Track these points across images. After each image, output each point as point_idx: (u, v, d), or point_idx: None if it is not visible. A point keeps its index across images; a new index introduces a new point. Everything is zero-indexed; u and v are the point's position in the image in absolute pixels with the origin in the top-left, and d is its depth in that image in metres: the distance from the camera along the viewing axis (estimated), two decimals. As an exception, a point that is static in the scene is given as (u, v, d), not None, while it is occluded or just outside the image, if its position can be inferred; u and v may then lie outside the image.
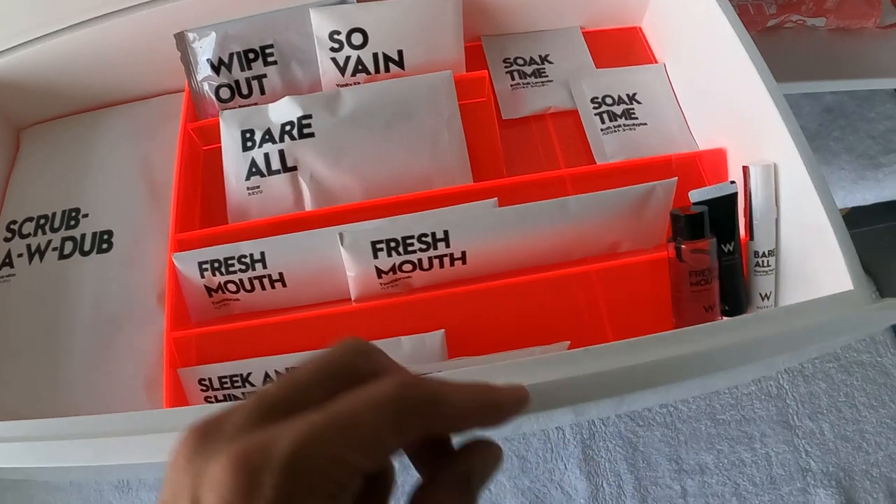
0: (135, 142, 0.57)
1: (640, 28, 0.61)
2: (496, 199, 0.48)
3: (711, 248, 0.48)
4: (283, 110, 0.52)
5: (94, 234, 0.55)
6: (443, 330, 0.47)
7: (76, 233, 0.55)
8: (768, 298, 0.51)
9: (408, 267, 0.47)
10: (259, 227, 0.50)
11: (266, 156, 0.52)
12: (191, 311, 0.51)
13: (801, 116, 0.74)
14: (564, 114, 0.56)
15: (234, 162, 0.52)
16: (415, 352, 0.47)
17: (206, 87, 0.55)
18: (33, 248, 0.56)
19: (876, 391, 0.77)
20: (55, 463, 0.36)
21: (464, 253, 0.47)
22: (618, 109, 0.56)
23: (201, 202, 0.55)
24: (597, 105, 0.56)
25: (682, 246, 0.47)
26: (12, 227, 0.57)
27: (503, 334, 0.48)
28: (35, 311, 0.54)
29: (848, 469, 0.75)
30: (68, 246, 0.55)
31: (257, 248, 0.48)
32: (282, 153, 0.51)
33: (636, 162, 0.53)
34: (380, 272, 0.47)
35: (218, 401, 0.49)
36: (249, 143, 0.52)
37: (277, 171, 0.51)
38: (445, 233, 0.47)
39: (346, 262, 0.47)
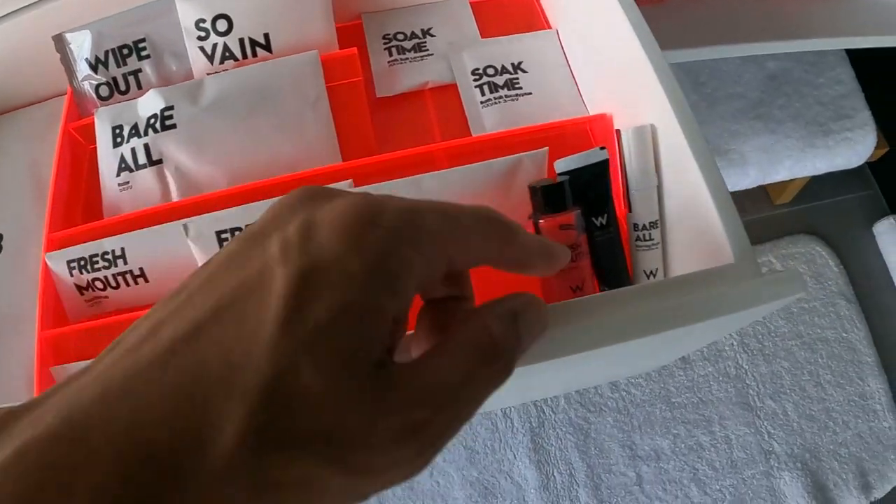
0: (25, 146, 0.58)
1: (535, -7, 0.58)
2: (351, 180, 0.46)
3: (576, 221, 0.44)
4: (148, 103, 0.51)
5: (-12, 237, 0.56)
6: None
7: (-26, 237, 0.56)
8: (654, 275, 0.47)
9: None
10: (125, 223, 0.50)
11: (133, 150, 0.51)
12: (67, 311, 0.51)
13: (742, 84, 0.68)
14: (443, 88, 0.53)
15: (106, 159, 0.52)
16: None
17: (86, 86, 0.55)
18: (-61, 254, 0.57)
19: (842, 368, 0.71)
20: None
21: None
22: (500, 80, 0.52)
23: (85, 201, 0.55)
24: (477, 77, 0.52)
25: (541, 221, 0.44)
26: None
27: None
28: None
29: (814, 450, 0.70)
30: (-38, 250, 0.56)
31: (118, 243, 0.48)
32: (147, 147, 0.51)
33: (520, 132, 0.49)
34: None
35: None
36: (119, 139, 0.52)
37: (144, 166, 0.51)
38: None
39: (194, 253, 0.46)
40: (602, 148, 0.45)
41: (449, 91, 0.53)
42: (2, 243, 0.55)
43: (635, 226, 0.46)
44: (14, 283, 0.53)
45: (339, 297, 0.19)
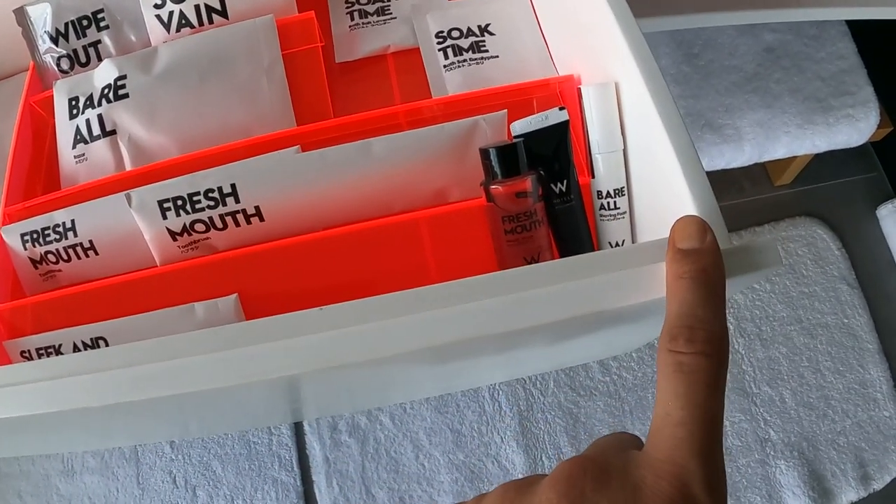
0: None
1: (508, -48, 0.53)
2: (298, 146, 0.43)
3: (531, 187, 0.40)
4: (102, 74, 0.49)
5: (-46, 213, 0.54)
6: (235, 294, 0.42)
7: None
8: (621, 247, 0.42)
9: (200, 227, 0.43)
10: (78, 195, 0.47)
11: (88, 122, 0.48)
12: (23, 284, 0.48)
13: (737, 56, 0.63)
14: (406, 52, 0.49)
15: (63, 131, 0.49)
16: (209, 318, 0.42)
17: (48, 59, 0.52)
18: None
19: (842, 355, 0.65)
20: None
21: (257, 208, 0.42)
22: (465, 43, 0.48)
23: (46, 176, 0.53)
24: (441, 40, 0.48)
25: (493, 187, 0.40)
26: None
27: (311, 296, 0.43)
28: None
29: (812, 439, 0.64)
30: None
31: (68, 216, 0.45)
32: (100, 117, 0.48)
33: (482, 93, 0.45)
34: (173, 234, 0.43)
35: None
36: (75, 111, 0.49)
37: (98, 137, 0.48)
38: (233, 186, 0.41)
39: (139, 224, 0.43)
40: (562, 108, 0.41)
41: (412, 55, 0.49)
42: (-34, 218, 0.53)
43: (599, 193, 0.41)
44: (-22, 257, 0.52)
45: None
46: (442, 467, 0.71)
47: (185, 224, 0.42)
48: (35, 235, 0.46)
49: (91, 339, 0.44)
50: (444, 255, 0.43)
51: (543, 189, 0.41)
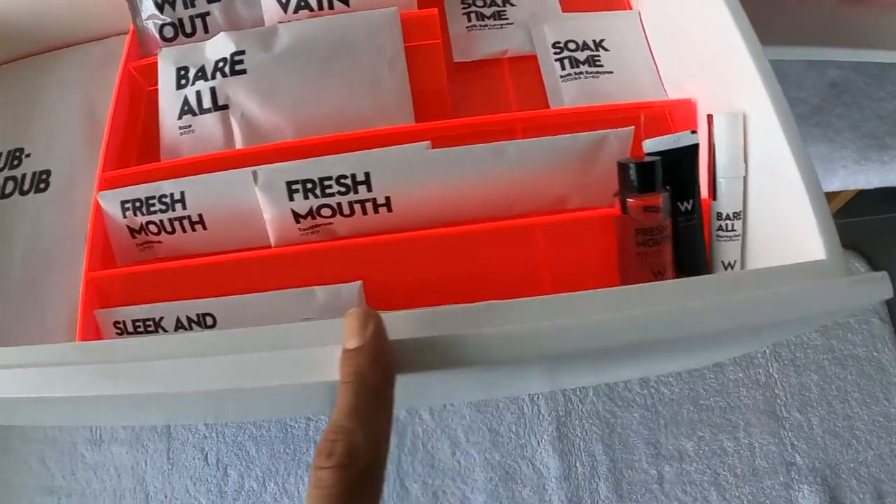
0: (80, 83, 0.54)
1: (617, -28, 0.54)
2: (429, 141, 0.43)
3: (663, 204, 0.41)
4: (217, 46, 0.47)
5: (34, 173, 0.51)
6: (360, 282, 0.42)
7: (18, 172, 0.52)
8: (732, 268, 0.44)
9: (327, 211, 0.42)
10: (185, 166, 0.45)
11: (198, 93, 0.47)
12: (116, 254, 0.47)
13: (804, 90, 0.65)
14: (523, 59, 0.50)
15: (167, 100, 0.48)
16: (329, 303, 0.42)
17: (150, 25, 0.51)
18: (-22, 188, 0.53)
19: (870, 387, 0.68)
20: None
21: (388, 199, 0.42)
22: (581, 56, 0.49)
23: (141, 143, 0.51)
24: (558, 50, 0.49)
25: (629, 200, 0.41)
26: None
27: (429, 290, 0.43)
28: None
29: (835, 466, 0.67)
30: (9, 185, 0.52)
31: (177, 187, 0.44)
32: (213, 91, 0.47)
33: (598, 108, 0.46)
34: (297, 216, 0.42)
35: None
36: (183, 81, 0.48)
37: (208, 110, 0.47)
38: (367, 175, 0.41)
39: (261, 203, 0.42)
40: (693, 132, 0.42)
41: (528, 62, 0.49)
42: (49, 179, 0.51)
43: (719, 215, 0.43)
44: (59, 221, 0.49)
45: None
46: (477, 465, 0.72)
47: (311, 207, 0.42)
48: (138, 204, 0.45)
49: (198, 315, 0.43)
50: (558, 260, 0.44)
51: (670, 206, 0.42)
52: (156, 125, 0.50)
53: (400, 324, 0.28)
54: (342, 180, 0.41)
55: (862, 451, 0.68)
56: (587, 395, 0.74)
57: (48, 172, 0.51)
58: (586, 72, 0.48)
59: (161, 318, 0.43)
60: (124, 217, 0.45)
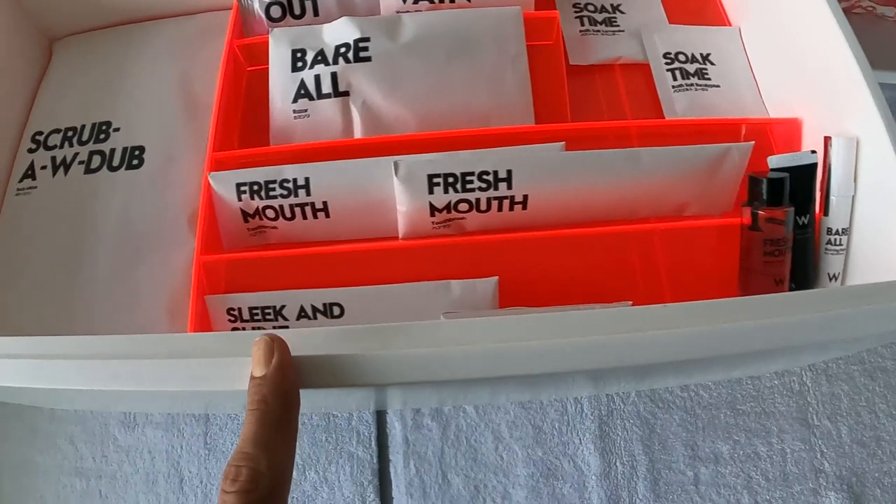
0: (175, 57, 0.51)
1: (715, -12, 0.56)
2: (563, 142, 0.43)
3: (788, 217, 0.43)
4: (338, 31, 0.46)
5: (125, 149, 0.49)
6: (496, 277, 0.42)
7: (105, 147, 0.49)
8: (836, 280, 0.46)
9: (464, 206, 0.42)
10: (302, 152, 0.44)
11: (317, 77, 0.46)
12: (223, 237, 0.45)
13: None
14: (634, 66, 0.51)
15: (281, 82, 0.47)
16: (465, 297, 0.41)
17: (256, 4, 0.49)
18: (58, 161, 0.50)
19: (896, 400, 0.72)
20: (68, 384, 0.30)
21: (525, 197, 0.42)
22: (690, 68, 0.50)
23: (241, 124, 0.49)
24: (669, 61, 0.50)
25: (760, 212, 0.42)
26: (37, 137, 0.52)
27: (557, 288, 0.43)
28: (56, 227, 0.48)
29: (861, 474, 0.70)
30: (96, 160, 0.49)
31: (302, 172, 0.43)
32: (334, 76, 0.46)
33: (704, 121, 0.48)
34: (433, 209, 0.42)
35: (245, 333, 0.43)
36: (300, 64, 0.46)
37: (328, 95, 0.46)
38: (509, 172, 0.41)
39: (398, 195, 0.42)
40: (813, 152, 0.44)
41: (640, 70, 0.50)
42: (143, 156, 0.48)
43: (829, 230, 0.45)
44: (155, 200, 0.47)
45: None
46: (519, 461, 0.73)
47: (450, 202, 0.41)
48: (256, 188, 0.43)
49: (324, 305, 0.42)
50: (675, 264, 0.45)
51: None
52: (255, 107, 0.49)
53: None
54: (484, 176, 0.41)
55: (886, 461, 0.72)
56: (629, 395, 0.76)
57: (141, 149, 0.49)
58: (696, 84, 0.49)
59: (282, 307, 0.42)
60: (239, 200, 0.44)
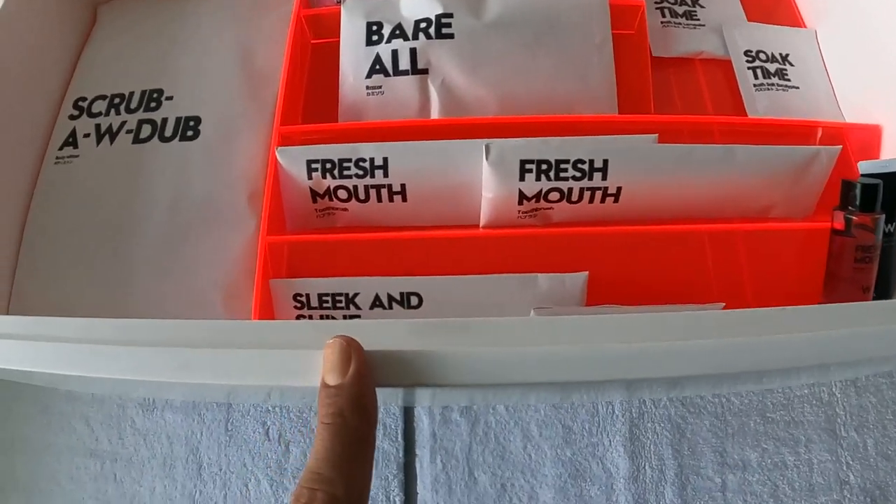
0: (233, 26, 0.48)
1: (790, -12, 0.55)
2: (657, 135, 0.41)
3: (879, 224, 0.41)
4: (417, 5, 0.44)
5: (179, 119, 0.46)
6: (586, 272, 0.40)
7: (157, 116, 0.46)
8: (918, 289, 0.45)
9: (554, 195, 0.40)
10: (377, 130, 0.42)
11: (394, 53, 0.43)
12: (288, 217, 0.42)
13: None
14: (716, 62, 0.49)
15: (353, 56, 0.44)
16: (552, 292, 0.39)
17: (325, -28, 0.47)
18: (103, 129, 0.46)
19: (921, 414, 0.72)
20: (129, 375, 0.27)
21: (619, 189, 0.40)
22: (771, 67, 0.49)
23: (305, 99, 0.47)
24: (750, 59, 0.49)
25: (853, 217, 0.41)
26: (80, 104, 0.48)
27: (642, 286, 0.41)
28: (99, 199, 0.44)
29: (884, 487, 0.69)
30: (146, 129, 0.46)
31: (380, 152, 0.40)
32: (413, 52, 0.43)
33: (783, 122, 0.46)
34: (522, 197, 0.39)
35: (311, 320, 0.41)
36: (375, 37, 0.44)
37: (405, 72, 0.43)
38: (605, 162, 0.39)
39: (485, 180, 0.39)
40: (905, 156, 0.43)
41: (721, 66, 0.49)
42: (199, 128, 0.45)
43: (915, 238, 0.44)
44: (212, 173, 0.44)
45: None
46: (548, 461, 0.71)
47: (541, 190, 0.39)
48: (329, 166, 0.40)
49: (401, 294, 0.39)
50: (759, 268, 0.44)
51: (881, 226, 0.42)
52: (319, 83, 0.46)
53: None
54: (579, 165, 0.39)
55: (909, 475, 0.71)
56: (661, 399, 0.74)
57: (197, 119, 0.45)
58: (777, 84, 0.48)
59: (355, 295, 0.39)
60: (310, 178, 0.41)
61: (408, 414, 0.68)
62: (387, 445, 0.66)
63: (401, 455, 0.67)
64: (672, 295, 0.40)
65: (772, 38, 0.50)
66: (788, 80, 0.49)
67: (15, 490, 0.61)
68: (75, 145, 0.46)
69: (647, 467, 0.69)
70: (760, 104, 0.48)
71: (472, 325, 0.26)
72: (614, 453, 0.69)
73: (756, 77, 0.48)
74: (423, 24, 0.43)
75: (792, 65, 0.49)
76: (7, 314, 0.44)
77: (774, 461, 0.73)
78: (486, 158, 0.38)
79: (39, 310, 0.43)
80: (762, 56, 0.49)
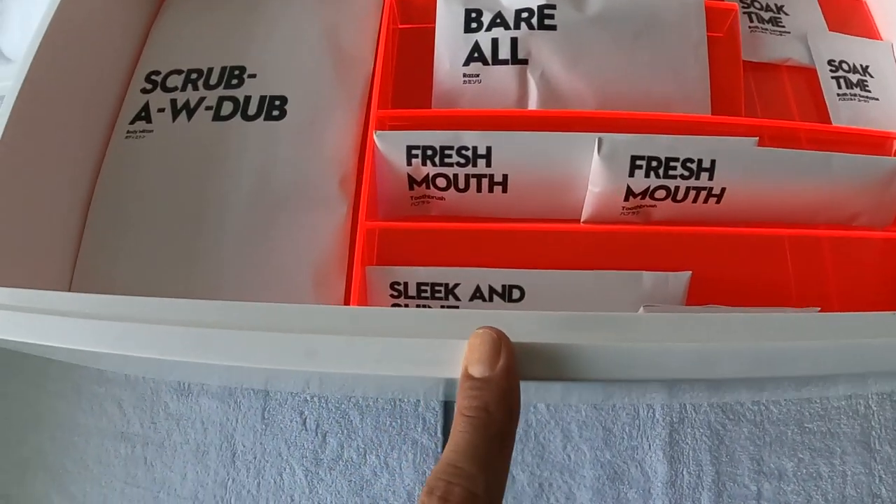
0: (320, 4, 0.47)
1: (865, 1, 0.55)
2: (757, 137, 0.41)
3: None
4: (519, -5, 0.43)
5: (263, 97, 0.44)
6: (690, 272, 0.39)
7: (239, 93, 0.44)
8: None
9: (661, 193, 0.39)
10: (476, 118, 0.41)
11: (494, 41, 0.42)
12: (381, 203, 0.41)
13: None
14: (801, 70, 0.49)
15: (451, 43, 0.43)
16: (655, 291, 0.39)
17: (418, -44, 0.46)
18: (179, 104, 0.45)
19: (953, 431, 0.74)
20: (248, 362, 0.26)
21: (723, 190, 0.40)
22: (853, 78, 0.49)
23: (394, 85, 0.46)
24: (833, 69, 0.49)
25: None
26: (154, 77, 0.46)
27: (741, 287, 0.41)
28: (175, 177, 0.43)
29: (914, 503, 0.70)
30: (227, 106, 0.44)
31: (484, 140, 0.39)
32: (514, 41, 0.42)
33: (860, 132, 0.47)
34: (629, 193, 0.39)
35: (407, 310, 0.40)
36: (475, 25, 0.43)
37: (504, 62, 0.42)
38: (712, 163, 0.39)
39: (594, 174, 0.39)
40: None
41: (806, 74, 0.49)
42: (285, 107, 0.44)
43: None
44: (297, 155, 0.43)
45: None
46: (587, 462, 0.70)
47: (649, 187, 0.39)
48: (430, 152, 0.40)
49: (503, 287, 0.39)
50: (844, 275, 0.44)
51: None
52: (406, 68, 0.45)
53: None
54: (688, 164, 0.38)
55: (940, 492, 0.71)
56: (701, 404, 0.75)
57: (283, 99, 0.44)
58: (858, 94, 0.48)
59: (455, 285, 0.39)
60: (409, 164, 0.40)
61: (448, 410, 0.67)
62: (426, 440, 0.65)
63: (439, 450, 0.66)
64: (769, 297, 0.40)
65: (853, 48, 0.51)
66: (869, 90, 0.49)
67: (41, 468, 0.59)
68: (148, 119, 0.45)
69: (685, 472, 0.69)
70: (843, 113, 0.48)
71: (621, 320, 0.25)
72: (653, 457, 0.69)
73: (839, 87, 0.48)
74: (524, 14, 0.43)
75: (872, 76, 0.50)
76: (69, 290, 0.42)
77: (810, 471, 0.73)
78: (598, 152, 0.38)
79: (103, 289, 0.41)
80: (844, 66, 0.49)
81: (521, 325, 0.24)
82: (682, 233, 0.39)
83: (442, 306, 0.39)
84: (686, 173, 0.38)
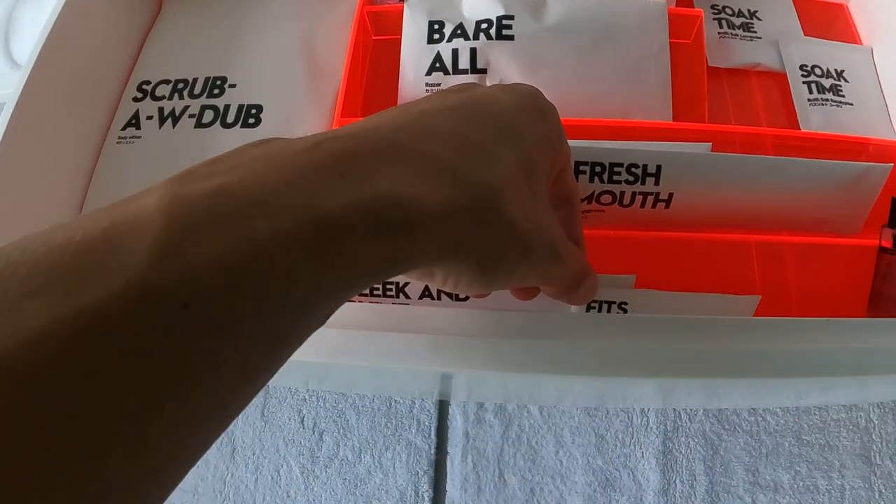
0: (298, 17, 0.50)
1: (847, 6, 0.55)
2: (710, 143, 0.42)
3: (928, 243, 0.42)
4: (479, 6, 0.45)
5: (241, 106, 0.47)
6: (634, 275, 0.40)
7: (219, 102, 0.48)
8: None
9: (606, 198, 0.40)
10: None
11: (454, 52, 0.44)
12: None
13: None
14: (770, 75, 0.49)
15: (414, 53, 0.45)
16: (601, 292, 0.40)
17: (389, -29, 0.48)
18: (166, 112, 0.48)
19: (954, 446, 0.71)
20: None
21: (670, 195, 0.40)
22: (826, 83, 0.49)
23: (365, 94, 0.48)
24: (805, 73, 0.49)
25: (902, 233, 0.41)
26: (144, 87, 0.50)
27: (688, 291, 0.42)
28: (160, 179, 0.46)
29: (915, 520, 0.68)
30: (208, 114, 0.48)
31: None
32: (473, 51, 0.44)
33: (832, 137, 0.47)
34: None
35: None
36: (437, 36, 0.45)
37: (464, 71, 0.44)
38: (658, 168, 0.40)
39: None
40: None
41: (776, 79, 0.49)
42: (261, 116, 0.47)
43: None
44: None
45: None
46: (579, 468, 0.71)
47: (594, 192, 0.40)
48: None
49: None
50: (806, 283, 0.44)
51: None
52: (378, 78, 0.48)
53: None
54: (632, 169, 0.39)
55: (940, 508, 0.70)
56: (696, 413, 0.74)
57: (259, 108, 0.47)
58: (831, 99, 0.48)
59: (406, 284, 0.41)
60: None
61: (442, 411, 0.69)
62: (419, 441, 0.66)
63: (432, 452, 0.67)
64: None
65: (828, 53, 0.51)
66: (843, 96, 0.49)
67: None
68: (138, 126, 0.48)
69: (677, 482, 0.69)
70: (814, 119, 0.48)
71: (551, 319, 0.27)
72: (646, 465, 0.69)
73: (811, 92, 0.48)
74: (483, 25, 0.44)
75: (847, 81, 0.50)
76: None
77: (806, 484, 0.72)
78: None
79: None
80: (817, 71, 0.49)
81: (464, 322, 0.26)
82: (629, 237, 0.40)
83: (393, 303, 0.41)
84: (631, 178, 0.40)
